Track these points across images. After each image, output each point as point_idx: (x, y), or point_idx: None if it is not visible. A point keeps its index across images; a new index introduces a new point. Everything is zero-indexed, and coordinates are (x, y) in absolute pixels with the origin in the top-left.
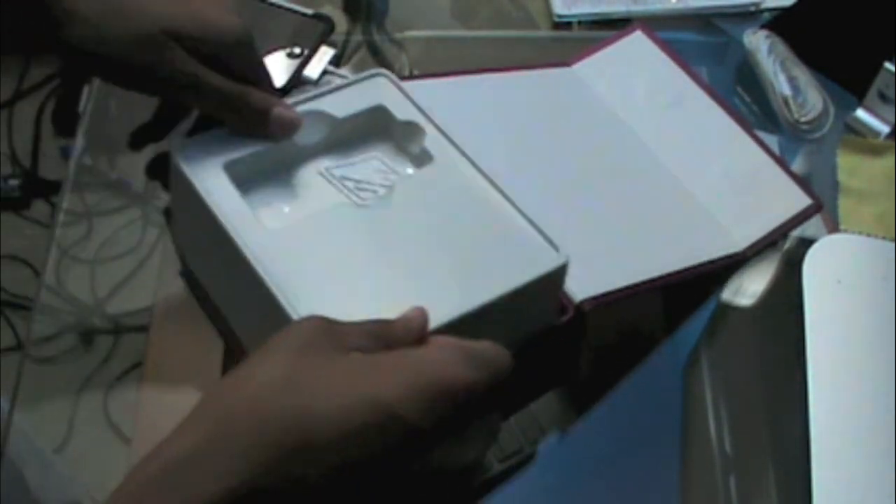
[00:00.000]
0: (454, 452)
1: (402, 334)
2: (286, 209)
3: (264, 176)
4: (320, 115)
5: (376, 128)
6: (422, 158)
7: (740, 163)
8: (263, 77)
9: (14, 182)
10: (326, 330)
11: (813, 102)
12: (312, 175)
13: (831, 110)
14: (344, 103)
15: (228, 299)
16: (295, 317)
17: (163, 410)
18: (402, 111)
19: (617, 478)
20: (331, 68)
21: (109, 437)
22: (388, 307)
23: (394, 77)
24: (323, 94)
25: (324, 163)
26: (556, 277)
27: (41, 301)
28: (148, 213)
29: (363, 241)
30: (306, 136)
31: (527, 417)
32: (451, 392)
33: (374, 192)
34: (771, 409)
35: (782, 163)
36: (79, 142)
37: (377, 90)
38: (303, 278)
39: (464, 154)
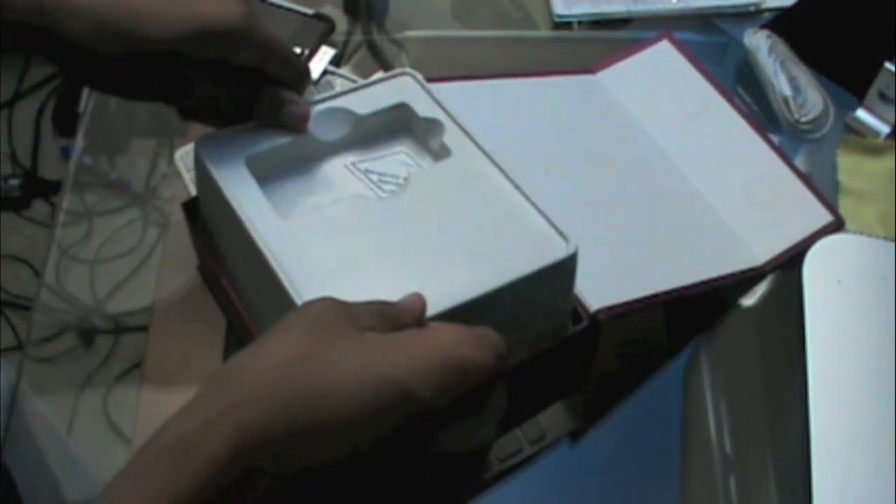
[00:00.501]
0: (465, 431)
1: (405, 317)
2: (307, 201)
3: (287, 170)
4: (343, 112)
5: (399, 124)
6: (441, 154)
7: (762, 176)
8: (280, 63)
9: (14, 182)
10: (338, 309)
11: (813, 102)
12: (337, 169)
13: (831, 110)
14: (367, 101)
15: (245, 291)
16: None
17: (163, 410)
18: (424, 108)
19: (617, 478)
20: (331, 68)
21: (109, 437)
22: (395, 295)
23: (419, 76)
24: (347, 93)
25: (348, 158)
26: (565, 268)
27: (41, 301)
28: (148, 213)
29: (375, 231)
30: (329, 132)
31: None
32: (462, 370)
33: (395, 185)
34: (771, 409)
35: (805, 177)
36: (79, 142)
37: (401, 88)
38: (313, 268)
39: (481, 149)
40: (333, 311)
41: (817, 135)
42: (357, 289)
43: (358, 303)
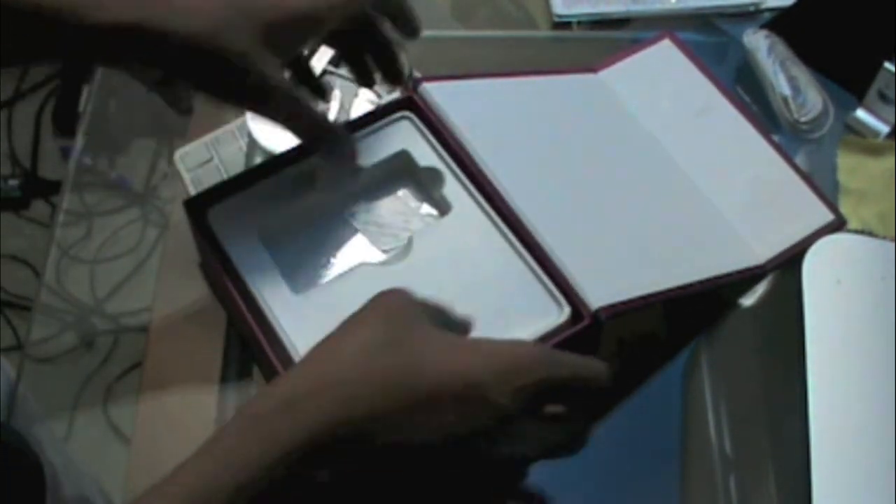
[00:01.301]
0: (525, 439)
1: (467, 325)
2: (315, 262)
3: (294, 230)
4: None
5: (399, 171)
6: (442, 205)
7: (764, 175)
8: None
9: (14, 182)
10: (411, 301)
11: (813, 102)
12: (340, 223)
13: (831, 110)
14: (369, 150)
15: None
16: None
17: (163, 410)
18: (423, 156)
19: (617, 478)
20: (331, 68)
21: (109, 437)
22: None
23: (416, 120)
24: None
25: (349, 207)
26: (559, 331)
27: (41, 301)
28: (148, 213)
29: None
30: (333, 186)
31: None
32: (535, 382)
33: (396, 236)
34: (771, 409)
35: (806, 176)
36: (79, 142)
37: (400, 134)
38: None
39: (480, 202)
40: (406, 302)
41: (816, 134)
42: None
43: (425, 300)
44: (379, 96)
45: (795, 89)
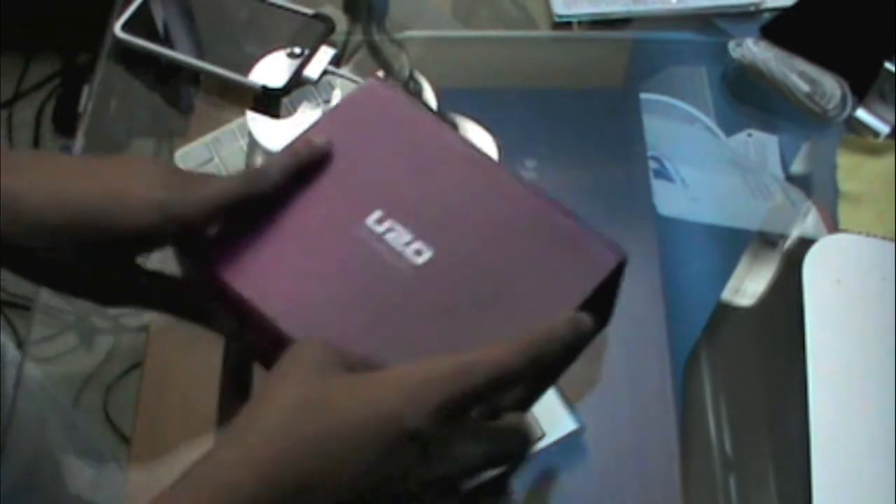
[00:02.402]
0: (461, 456)
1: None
2: None
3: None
4: None
5: None
6: None
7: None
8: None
9: None
10: (329, 349)
11: (831, 88)
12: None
13: (847, 90)
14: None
15: None
16: None
17: (163, 410)
18: None
19: (617, 478)
20: (331, 68)
21: (109, 437)
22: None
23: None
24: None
25: None
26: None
27: (41, 301)
28: None
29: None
30: None
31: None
32: (450, 399)
33: None
34: (771, 409)
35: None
36: (79, 142)
37: None
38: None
39: None
40: (323, 352)
41: (846, 114)
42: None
43: (340, 347)
44: None
45: (812, 82)
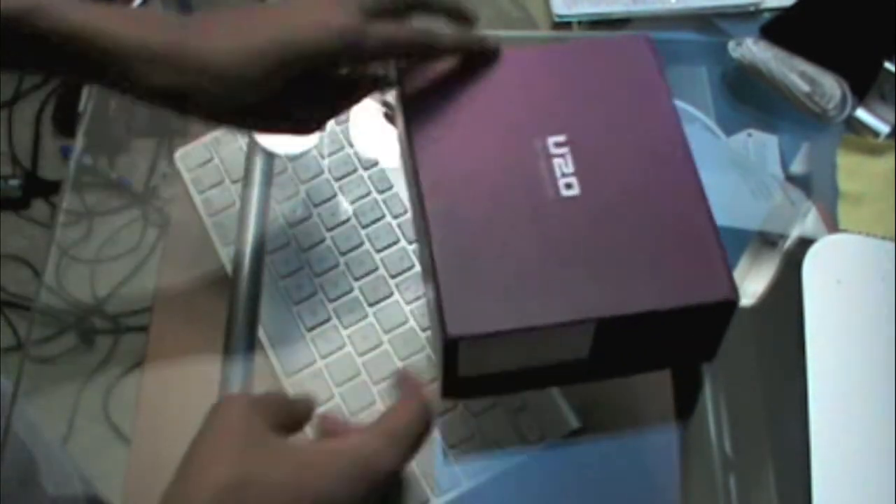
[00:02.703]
0: None
1: (305, 412)
2: None
3: None
4: None
5: None
6: None
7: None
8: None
9: (14, 182)
10: (250, 412)
11: (831, 88)
12: None
13: (847, 90)
14: None
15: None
16: None
17: (163, 410)
18: None
19: (617, 477)
20: None
21: (109, 437)
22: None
23: None
24: None
25: None
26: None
27: (41, 301)
28: (148, 213)
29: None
30: None
31: (526, 419)
32: (381, 478)
33: None
34: (771, 409)
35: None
36: (79, 142)
37: None
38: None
39: None
40: (249, 416)
41: (845, 114)
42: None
43: (264, 398)
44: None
45: (812, 82)
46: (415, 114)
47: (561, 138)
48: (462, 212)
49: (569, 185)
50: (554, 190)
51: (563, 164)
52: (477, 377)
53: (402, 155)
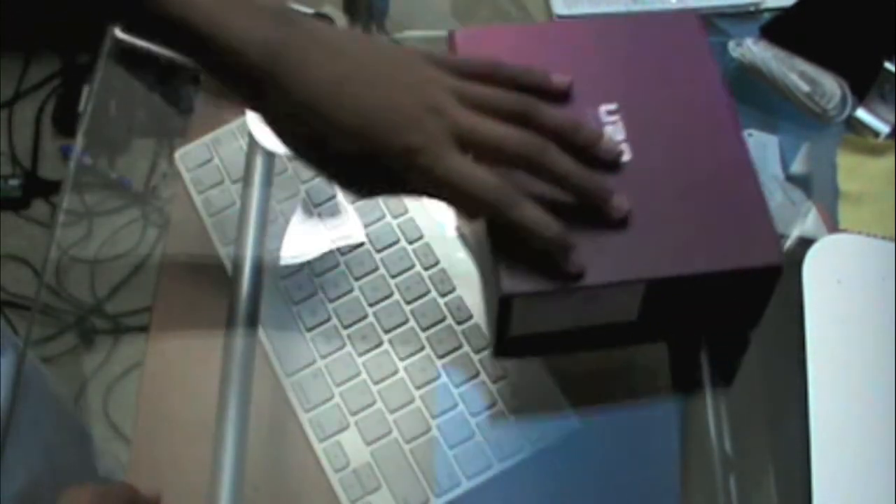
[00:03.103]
0: None
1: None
2: None
3: None
4: None
5: None
6: None
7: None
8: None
9: (14, 182)
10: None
11: (831, 88)
12: None
13: (847, 90)
14: None
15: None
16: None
17: (163, 410)
18: None
19: (617, 477)
20: None
21: (109, 437)
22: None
23: None
24: None
25: None
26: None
27: (41, 301)
28: (148, 213)
29: None
30: None
31: (526, 418)
32: None
33: None
34: (771, 409)
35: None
36: (79, 142)
37: None
38: None
39: None
40: None
41: (845, 114)
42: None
43: (109, 490)
44: None
45: (812, 82)
46: None
47: (613, 106)
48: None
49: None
50: None
51: (615, 132)
52: (528, 337)
53: None
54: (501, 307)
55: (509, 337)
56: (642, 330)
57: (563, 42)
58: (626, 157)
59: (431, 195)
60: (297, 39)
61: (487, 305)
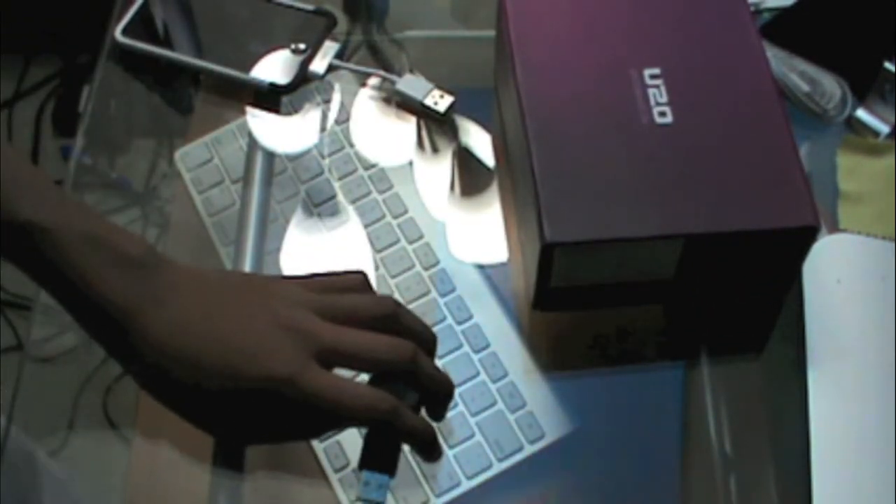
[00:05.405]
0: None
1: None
2: None
3: None
4: None
5: None
6: None
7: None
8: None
9: None
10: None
11: (831, 88)
12: None
13: (847, 90)
14: None
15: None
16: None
17: (163, 410)
18: None
19: (616, 477)
20: (336, 62)
21: (109, 438)
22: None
23: None
24: None
25: None
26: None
27: (41, 301)
28: (148, 213)
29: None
30: None
31: (526, 418)
32: None
33: None
34: (771, 408)
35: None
36: (79, 142)
37: None
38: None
39: None
40: None
41: (846, 114)
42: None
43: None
44: (387, 85)
45: (811, 82)
46: (518, 38)
47: (656, 70)
48: (561, 129)
49: (662, 114)
50: (648, 117)
51: (658, 94)
52: (567, 289)
53: (500, 77)
54: (544, 256)
55: (549, 288)
56: (678, 290)
57: (610, 4)
58: (667, 119)
59: (315, 419)
60: (152, 290)
61: (526, 257)
